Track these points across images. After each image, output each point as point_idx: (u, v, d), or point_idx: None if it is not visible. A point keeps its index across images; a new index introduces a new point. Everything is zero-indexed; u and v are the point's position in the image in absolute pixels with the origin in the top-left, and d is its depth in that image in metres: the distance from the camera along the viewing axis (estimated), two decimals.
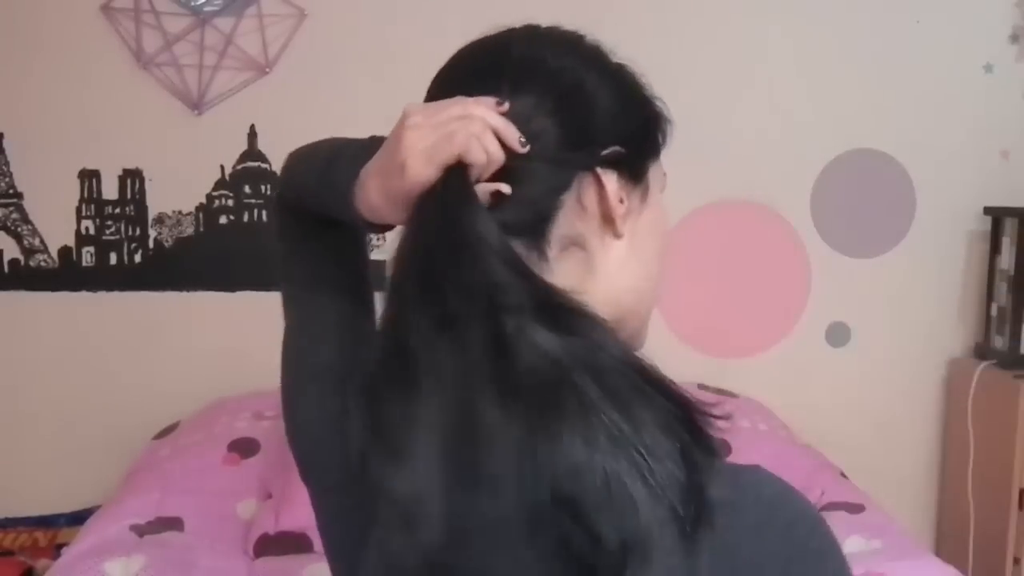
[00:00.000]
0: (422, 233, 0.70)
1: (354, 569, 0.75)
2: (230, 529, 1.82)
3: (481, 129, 0.69)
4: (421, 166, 0.69)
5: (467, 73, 0.78)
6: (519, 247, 0.71)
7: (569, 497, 0.62)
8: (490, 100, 0.72)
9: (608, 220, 0.75)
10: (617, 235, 0.76)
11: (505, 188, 0.71)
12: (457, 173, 0.70)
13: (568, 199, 0.74)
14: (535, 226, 0.73)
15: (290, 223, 0.87)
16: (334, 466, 0.77)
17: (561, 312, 0.67)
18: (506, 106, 0.71)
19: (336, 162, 0.80)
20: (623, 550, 0.61)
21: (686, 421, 0.65)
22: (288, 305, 0.88)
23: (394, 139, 0.71)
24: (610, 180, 0.75)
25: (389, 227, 0.76)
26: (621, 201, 0.76)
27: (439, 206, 0.69)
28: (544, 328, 0.65)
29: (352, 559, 0.75)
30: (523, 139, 0.71)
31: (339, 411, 0.74)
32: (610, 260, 0.77)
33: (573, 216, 0.75)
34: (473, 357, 0.65)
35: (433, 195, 0.70)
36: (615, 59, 0.80)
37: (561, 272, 0.74)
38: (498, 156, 0.70)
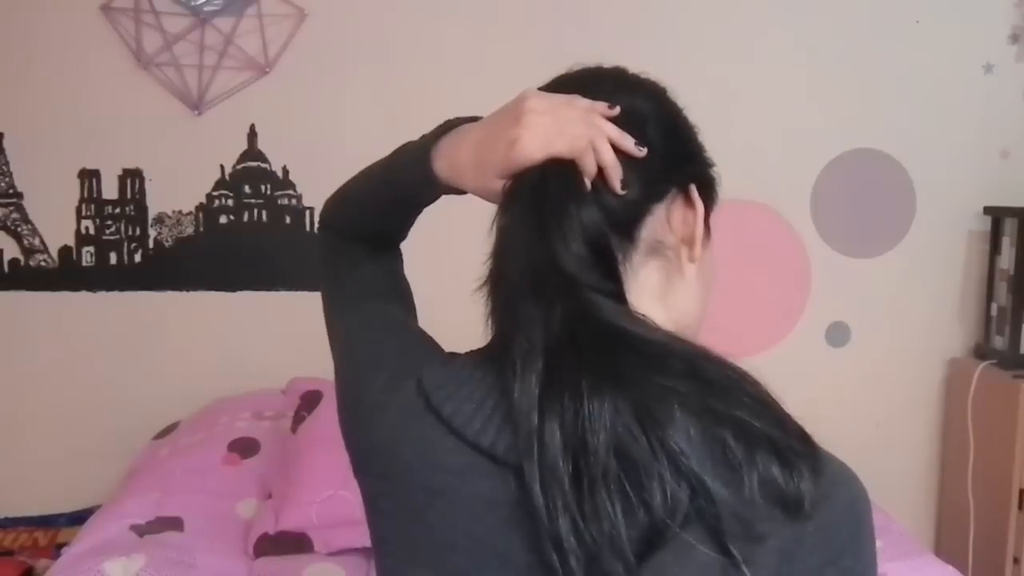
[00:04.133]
0: (530, 214, 0.74)
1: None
2: (230, 529, 1.82)
3: (599, 136, 0.74)
4: (534, 148, 0.74)
5: (578, 81, 0.82)
6: (612, 242, 0.75)
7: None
8: (602, 105, 0.76)
9: (689, 242, 0.79)
10: (693, 258, 0.79)
11: (619, 190, 0.75)
12: (564, 166, 0.74)
13: (658, 210, 0.77)
14: (626, 226, 0.76)
15: (340, 248, 0.95)
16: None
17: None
18: (617, 109, 0.76)
19: (398, 153, 0.89)
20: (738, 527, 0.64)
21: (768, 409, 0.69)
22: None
23: (511, 115, 0.76)
24: (700, 204, 0.79)
25: (453, 191, 0.84)
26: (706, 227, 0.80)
27: (545, 193, 0.74)
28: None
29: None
30: (639, 144, 0.75)
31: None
32: (684, 282, 0.80)
33: (658, 227, 0.78)
34: (556, 323, 0.69)
35: (537, 181, 0.74)
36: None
37: (643, 274, 0.77)
38: (612, 162, 0.74)
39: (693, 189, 0.79)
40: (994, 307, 2.51)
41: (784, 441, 0.66)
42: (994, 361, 2.45)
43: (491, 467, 0.69)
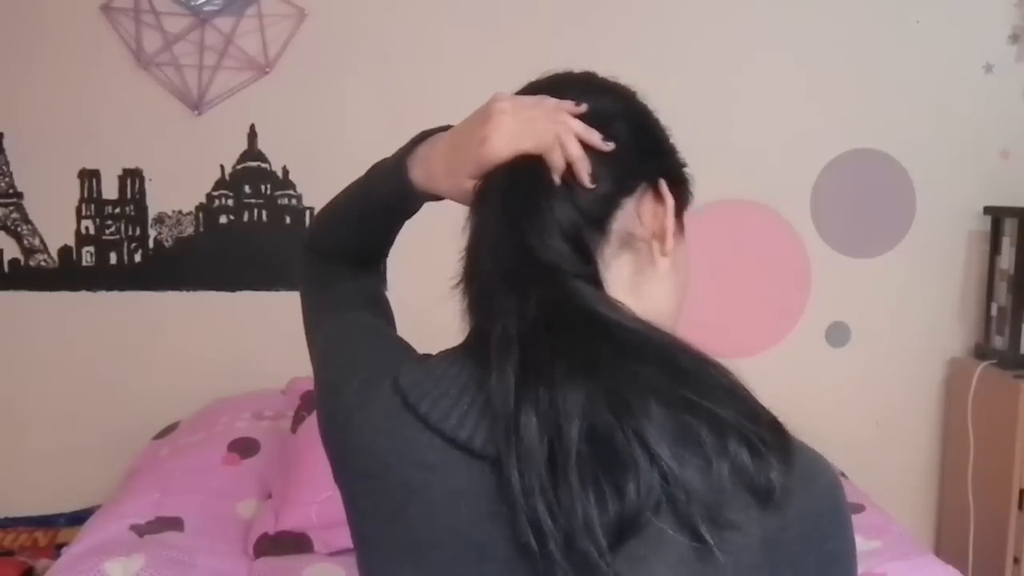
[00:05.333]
0: (501, 209, 0.76)
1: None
2: (230, 529, 1.82)
3: (565, 132, 0.76)
4: (502, 145, 0.77)
5: (548, 85, 0.84)
6: (585, 234, 0.76)
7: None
8: (568, 103, 0.78)
9: (660, 236, 0.80)
10: (664, 252, 0.80)
11: (588, 183, 0.76)
12: (532, 162, 0.76)
13: (628, 204, 0.79)
14: (597, 220, 0.77)
15: (320, 267, 0.98)
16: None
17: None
18: (584, 107, 0.78)
19: (374, 169, 0.92)
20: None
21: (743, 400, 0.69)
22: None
23: (480, 117, 0.79)
24: (670, 198, 0.80)
25: (431, 198, 0.86)
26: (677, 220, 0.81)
27: (515, 188, 0.76)
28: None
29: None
30: (606, 139, 0.77)
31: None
32: (656, 275, 0.81)
33: (629, 222, 0.79)
34: (531, 312, 0.70)
35: (506, 178, 0.76)
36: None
37: (615, 267, 0.78)
38: (579, 155, 0.76)
39: (662, 183, 0.80)
40: (994, 307, 2.51)
41: (755, 431, 0.67)
42: (994, 361, 2.45)
43: (469, 461, 0.70)
